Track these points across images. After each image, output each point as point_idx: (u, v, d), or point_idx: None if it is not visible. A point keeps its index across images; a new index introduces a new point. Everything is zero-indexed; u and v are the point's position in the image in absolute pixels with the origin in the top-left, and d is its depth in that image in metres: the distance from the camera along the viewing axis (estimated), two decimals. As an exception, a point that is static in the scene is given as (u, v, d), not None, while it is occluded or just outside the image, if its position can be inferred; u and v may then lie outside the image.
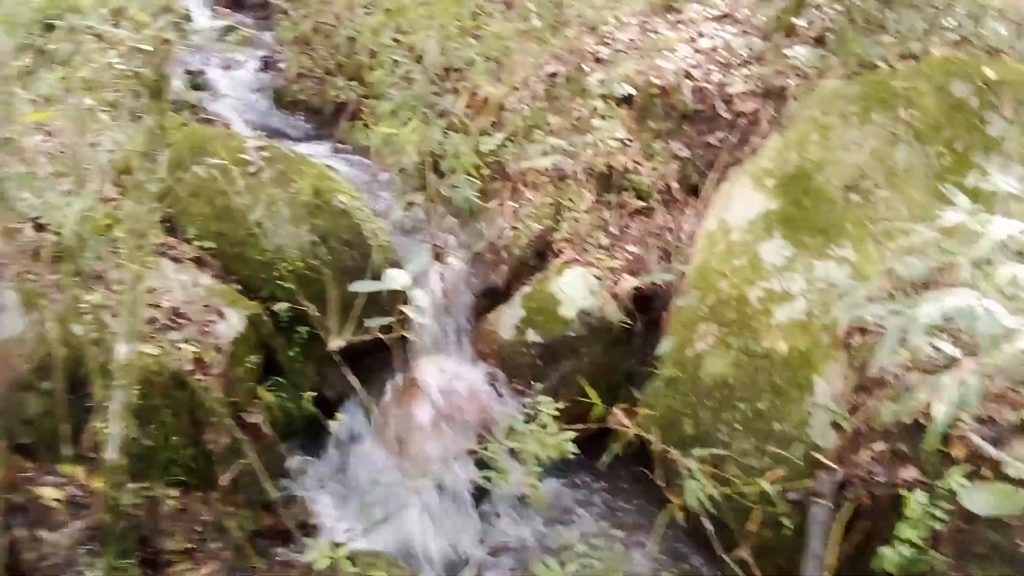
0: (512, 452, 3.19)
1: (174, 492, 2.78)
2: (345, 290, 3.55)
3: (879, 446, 2.92)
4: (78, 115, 2.29)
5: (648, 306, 4.03)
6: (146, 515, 2.56)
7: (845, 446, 3.10)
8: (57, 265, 2.64)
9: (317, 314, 2.90)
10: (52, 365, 2.50)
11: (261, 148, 3.89)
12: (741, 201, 3.70)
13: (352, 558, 2.67)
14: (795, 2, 4.53)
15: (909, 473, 2.85)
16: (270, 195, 3.71)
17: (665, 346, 3.47)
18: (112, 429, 2.25)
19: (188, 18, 7.12)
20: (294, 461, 3.55)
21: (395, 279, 2.25)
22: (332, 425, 3.53)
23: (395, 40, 4.85)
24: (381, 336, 2.73)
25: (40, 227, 2.80)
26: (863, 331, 3.22)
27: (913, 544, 2.47)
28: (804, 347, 3.27)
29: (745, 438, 3.24)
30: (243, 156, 3.80)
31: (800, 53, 4.20)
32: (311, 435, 3.70)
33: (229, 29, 6.92)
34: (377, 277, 3.74)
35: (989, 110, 3.71)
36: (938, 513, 2.50)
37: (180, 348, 3.09)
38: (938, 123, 3.66)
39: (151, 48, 1.99)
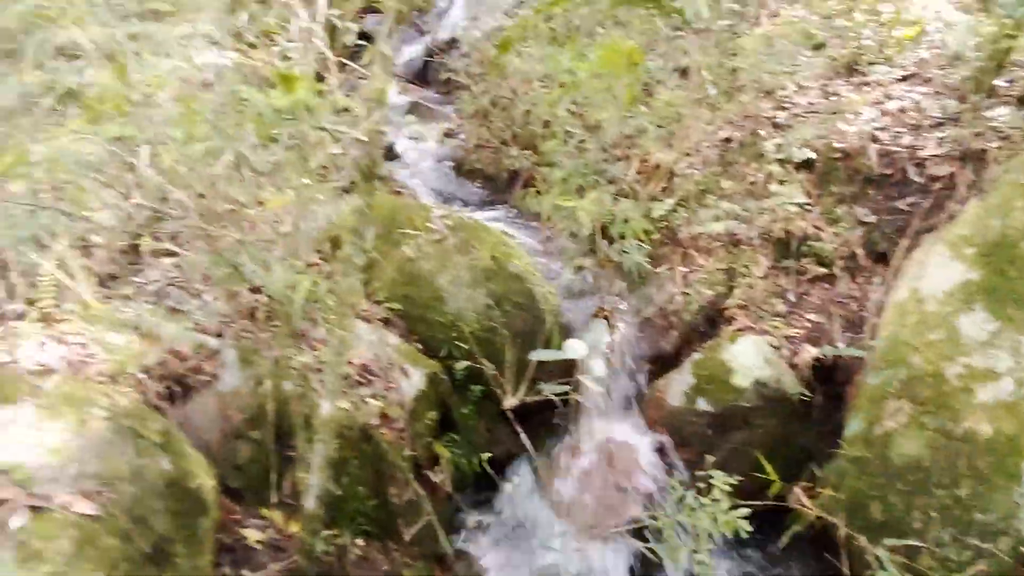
0: (680, 525, 3.12)
1: (360, 541, 2.94)
2: (519, 351, 3.69)
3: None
4: (301, 197, 2.56)
5: (829, 378, 3.84)
6: (335, 562, 2.74)
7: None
8: (270, 324, 2.94)
9: (493, 373, 3.01)
10: (262, 417, 2.77)
11: (445, 217, 4.14)
12: (936, 270, 3.49)
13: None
14: (996, 61, 4.26)
15: None
16: (453, 261, 3.92)
17: (853, 426, 3.29)
18: (312, 480, 2.45)
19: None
20: (466, 517, 3.65)
21: (575, 349, 2.33)
22: (502, 484, 3.62)
23: (568, 111, 5.02)
24: (551, 398, 2.79)
25: (255, 290, 3.13)
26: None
27: None
28: (1011, 431, 3.00)
29: (942, 527, 2.99)
30: (429, 225, 4.06)
31: (1002, 114, 3.93)
32: (481, 491, 3.81)
33: (415, 105, 7.49)
34: (548, 340, 3.88)
35: None
36: None
37: (368, 403, 3.31)
38: None
39: (367, 138, 2.21)
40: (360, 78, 7.87)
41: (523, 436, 3.12)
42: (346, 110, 2.38)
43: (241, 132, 2.05)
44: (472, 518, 3.66)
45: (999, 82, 4.12)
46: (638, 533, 3.51)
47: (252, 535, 2.64)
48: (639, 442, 3.87)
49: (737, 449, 3.71)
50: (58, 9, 2.82)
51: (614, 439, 3.94)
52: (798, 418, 3.78)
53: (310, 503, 2.47)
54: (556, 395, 2.65)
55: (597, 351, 3.95)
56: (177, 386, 2.73)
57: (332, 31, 4.79)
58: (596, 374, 2.47)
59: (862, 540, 2.73)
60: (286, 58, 3.23)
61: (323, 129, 2.15)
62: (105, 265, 3.22)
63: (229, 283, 2.75)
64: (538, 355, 2.55)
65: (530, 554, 3.54)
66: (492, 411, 3.84)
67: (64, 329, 2.62)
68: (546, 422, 4.11)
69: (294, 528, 2.60)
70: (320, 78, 2.87)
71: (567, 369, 3.25)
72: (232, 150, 2.26)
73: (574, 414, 4.13)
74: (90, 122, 2.58)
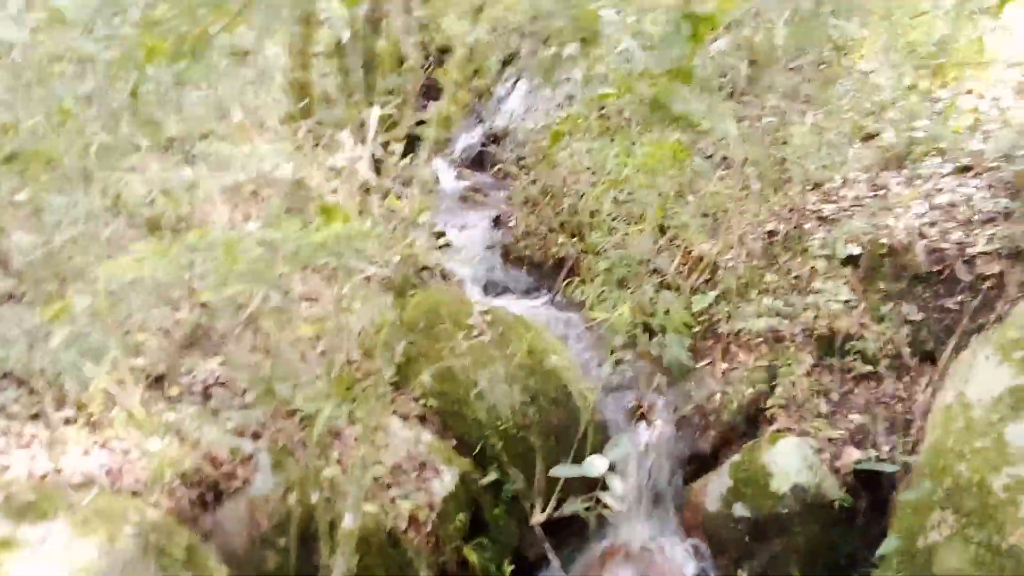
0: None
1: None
2: (552, 453, 3.68)
3: None
4: (341, 310, 2.67)
5: (874, 483, 3.69)
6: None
7: None
8: (303, 424, 3.03)
9: (520, 487, 3.01)
10: (289, 524, 2.83)
11: (485, 312, 4.21)
12: (985, 374, 3.35)
13: None
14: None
15: None
16: (490, 357, 3.98)
17: (892, 541, 3.15)
18: (332, 593, 2.48)
19: (437, 181, 8.08)
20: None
21: (594, 466, 2.32)
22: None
23: (615, 202, 5.09)
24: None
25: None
26: None
27: None
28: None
29: (988, 651, 2.81)
30: (470, 321, 4.14)
31: (1052, 209, 3.82)
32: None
33: (469, 192, 7.74)
34: (584, 437, 3.86)
35: None
36: None
37: (396, 505, 3.34)
38: None
39: (401, 258, 2.31)
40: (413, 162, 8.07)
41: (550, 552, 3.06)
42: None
43: (274, 269, 2.16)
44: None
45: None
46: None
47: (274, 642, 2.68)
48: (674, 548, 3.78)
49: (776, 557, 3.59)
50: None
51: (648, 544, 3.86)
52: (840, 525, 3.64)
53: (329, 615, 2.50)
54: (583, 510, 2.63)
55: (627, 460, 3.94)
56: (210, 492, 2.83)
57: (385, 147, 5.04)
58: (617, 492, 2.44)
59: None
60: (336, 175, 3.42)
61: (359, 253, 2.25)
62: (155, 366, 3.39)
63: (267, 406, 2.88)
64: (559, 471, 2.55)
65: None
66: (523, 512, 3.82)
67: (108, 435, 2.77)
68: (579, 526, 4.06)
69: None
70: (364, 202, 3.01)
71: (595, 480, 3.23)
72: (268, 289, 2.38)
73: (611, 522, 4.07)
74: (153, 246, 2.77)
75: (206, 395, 3.35)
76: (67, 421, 2.80)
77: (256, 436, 3.14)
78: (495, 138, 8.54)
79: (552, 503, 2.94)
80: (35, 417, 2.72)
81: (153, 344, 3.46)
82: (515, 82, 9.19)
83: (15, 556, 1.98)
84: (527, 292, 5.93)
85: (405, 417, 3.84)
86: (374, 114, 2.84)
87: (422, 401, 3.90)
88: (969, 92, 5.23)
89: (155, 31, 1.60)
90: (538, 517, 2.92)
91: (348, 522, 2.46)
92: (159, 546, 2.19)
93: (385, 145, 3.22)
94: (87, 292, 2.70)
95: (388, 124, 5.04)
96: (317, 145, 3.88)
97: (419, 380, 3.93)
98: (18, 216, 2.59)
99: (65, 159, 2.84)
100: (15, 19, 1.86)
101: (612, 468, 2.63)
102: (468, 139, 8.94)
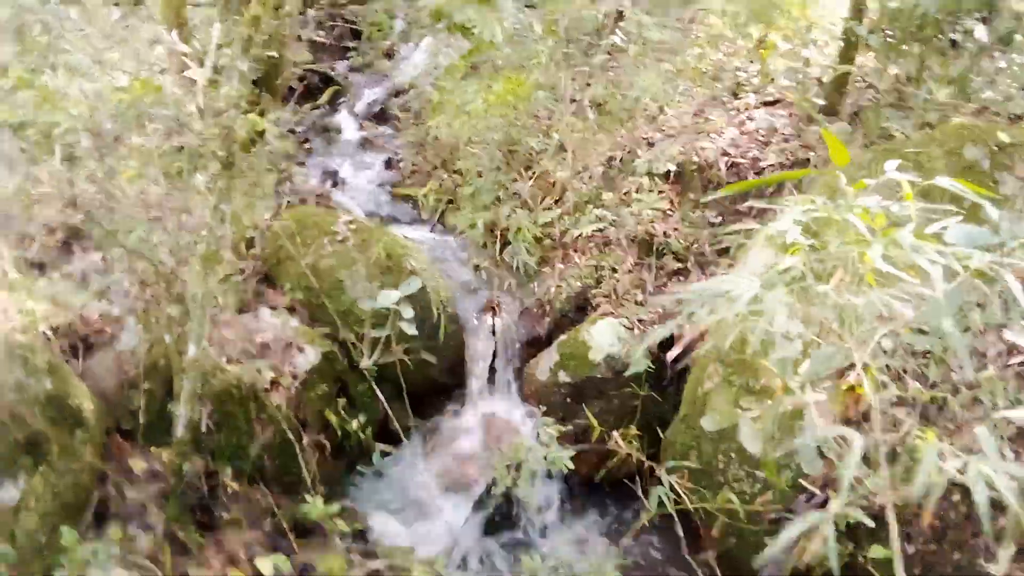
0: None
1: (235, 484, 3.45)
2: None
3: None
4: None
5: (679, 356, 4.34)
6: (208, 491, 3.26)
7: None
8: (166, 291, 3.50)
9: (353, 342, 3.55)
10: (154, 370, 3.32)
11: (350, 222, 4.73)
12: (755, 259, 4.04)
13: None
14: (838, 85, 4.87)
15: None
16: (352, 257, 4.50)
17: (686, 391, 3.82)
18: (180, 411, 2.98)
19: (339, 131, 8.55)
20: (354, 477, 4.16)
21: (389, 296, 2.87)
22: (388, 449, 4.12)
23: (475, 132, 5.64)
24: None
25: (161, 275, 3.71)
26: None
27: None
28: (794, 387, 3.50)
29: (739, 466, 3.48)
30: (335, 228, 4.65)
31: (830, 129, 4.52)
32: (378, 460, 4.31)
33: (367, 140, 8.24)
34: (437, 327, 4.43)
35: (1002, 171, 3.85)
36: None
37: (260, 372, 3.85)
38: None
39: (221, 131, 2.81)
40: (320, 116, 8.49)
41: (380, 396, 3.61)
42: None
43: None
44: (358, 477, 4.15)
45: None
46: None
47: (138, 465, 3.17)
48: (513, 412, 4.39)
49: (596, 416, 4.21)
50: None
51: (495, 412, 4.46)
52: (652, 390, 4.29)
53: (179, 431, 3.00)
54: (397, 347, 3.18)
55: (479, 332, 4.54)
56: (81, 344, 3.30)
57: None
58: (407, 316, 2.98)
59: (652, 464, 3.23)
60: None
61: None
62: (38, 256, 3.81)
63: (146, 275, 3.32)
64: (363, 304, 3.09)
65: (405, 505, 4.04)
66: (390, 392, 4.37)
67: (-11, 296, 3.21)
68: (440, 403, 4.65)
69: (167, 455, 3.12)
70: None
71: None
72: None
73: (465, 394, 4.67)
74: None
75: (86, 280, 3.79)
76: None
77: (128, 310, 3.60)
78: (398, 93, 9.01)
79: (377, 353, 3.50)
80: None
81: (38, 237, 3.90)
82: (419, 42, 9.66)
83: None
84: (412, 222, 6.45)
85: (274, 308, 4.34)
86: (215, 28, 3.32)
87: (290, 295, 4.40)
88: (792, 40, 5.94)
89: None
90: (365, 362, 3.47)
91: (192, 351, 2.97)
92: (23, 356, 2.65)
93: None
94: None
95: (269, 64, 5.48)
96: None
97: (287, 276, 4.43)
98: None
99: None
100: None
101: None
102: (372, 94, 9.38)
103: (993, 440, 1.34)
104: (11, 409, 2.47)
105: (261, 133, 4.55)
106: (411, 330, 3.00)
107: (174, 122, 2.92)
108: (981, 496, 1.26)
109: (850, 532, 3.19)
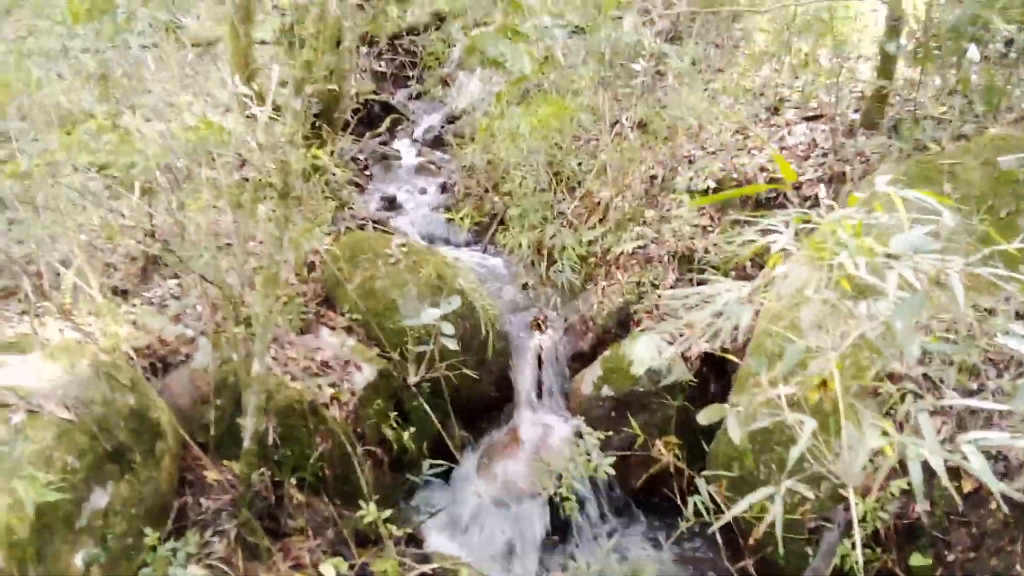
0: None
1: (300, 494, 3.71)
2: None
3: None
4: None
5: (722, 368, 4.46)
6: (275, 500, 3.52)
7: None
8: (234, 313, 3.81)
9: (399, 360, 3.79)
10: (225, 387, 3.62)
11: (402, 245, 5.00)
12: (792, 273, 4.13)
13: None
14: (879, 99, 4.92)
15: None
16: (404, 278, 4.77)
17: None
18: (247, 423, 3.26)
19: (398, 157, 8.93)
20: (413, 489, 4.39)
21: (430, 314, 3.09)
22: (440, 462, 4.34)
23: (521, 155, 5.88)
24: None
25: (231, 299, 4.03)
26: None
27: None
28: (829, 402, 3.59)
29: (781, 475, 3.58)
30: (388, 251, 4.93)
31: (865, 143, 4.59)
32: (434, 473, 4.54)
33: (425, 165, 8.59)
34: (485, 344, 4.65)
35: (1039, 178, 3.87)
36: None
37: (321, 388, 4.13)
38: (983, 193, 3.89)
39: (278, 165, 3.08)
40: (381, 143, 8.90)
41: (429, 411, 3.83)
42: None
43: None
44: (418, 489, 4.38)
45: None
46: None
47: (212, 475, 3.46)
48: (561, 426, 4.56)
49: (640, 428, 4.35)
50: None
51: (542, 425, 4.65)
52: (694, 402, 4.41)
53: (247, 442, 3.27)
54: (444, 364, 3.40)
55: (524, 348, 4.74)
56: (159, 363, 3.62)
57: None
58: (448, 332, 3.20)
59: (693, 473, 3.35)
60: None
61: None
62: (122, 283, 4.19)
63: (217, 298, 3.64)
64: (406, 322, 3.32)
65: (459, 516, 4.24)
66: (445, 408, 4.59)
67: (77, 321, 3.56)
68: (490, 419, 4.86)
69: (237, 466, 3.40)
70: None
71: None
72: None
73: (514, 408, 4.86)
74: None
75: (162, 303, 4.15)
76: (44, 311, 3.59)
77: (201, 333, 3.93)
78: (454, 119, 9.34)
79: (423, 370, 3.73)
80: (19, 301, 3.52)
81: (121, 266, 4.28)
82: (474, 70, 9.99)
83: (1, 370, 2.77)
84: (466, 244, 6.72)
85: (333, 328, 4.63)
86: (275, 70, 3.63)
87: (348, 315, 4.69)
88: (836, 55, 6.00)
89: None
90: (413, 378, 3.70)
91: (256, 368, 3.25)
92: (109, 374, 2.97)
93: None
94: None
95: (329, 97, 5.84)
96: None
97: (345, 297, 4.72)
98: None
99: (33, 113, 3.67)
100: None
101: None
102: (430, 120, 9.75)
103: (931, 424, 1.48)
104: (99, 422, 2.77)
105: (318, 167, 4.89)
106: (452, 345, 3.20)
107: (237, 157, 3.22)
108: (915, 473, 1.41)
109: (888, 539, 3.27)
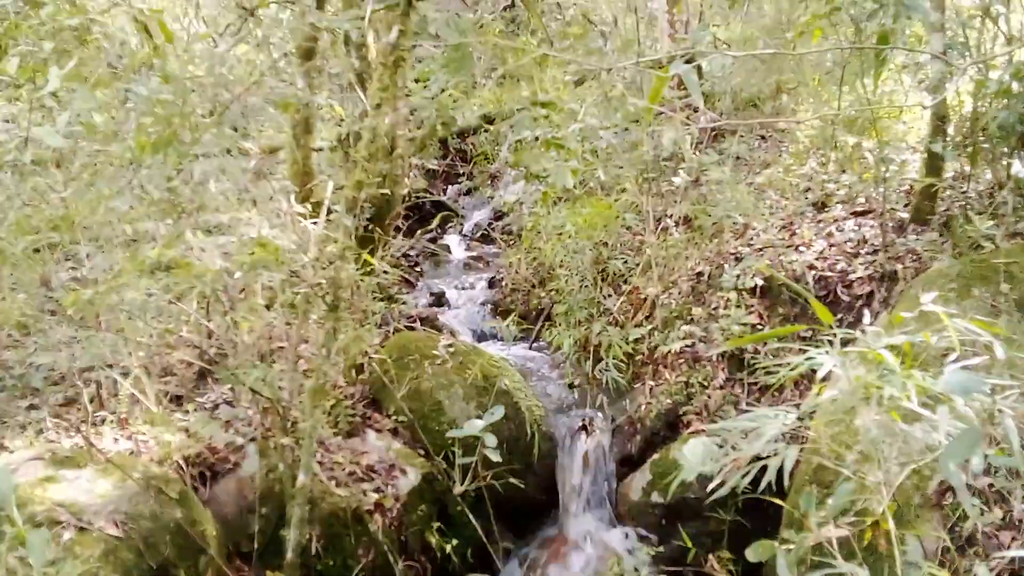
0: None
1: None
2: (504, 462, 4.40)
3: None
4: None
5: (778, 474, 4.30)
6: (319, 613, 3.48)
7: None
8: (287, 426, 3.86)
9: (445, 468, 3.77)
10: (271, 496, 3.64)
11: (449, 345, 5.05)
12: (839, 398, 4.02)
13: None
14: (927, 198, 4.86)
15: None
16: (450, 379, 4.79)
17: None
18: (291, 535, 3.26)
19: (448, 252, 9.13)
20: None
21: (474, 425, 3.09)
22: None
23: (567, 253, 5.93)
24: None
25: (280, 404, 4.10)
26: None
27: None
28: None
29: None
30: (435, 352, 4.97)
31: (916, 240, 4.51)
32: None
33: (474, 260, 8.75)
34: (530, 447, 4.60)
35: (1101, 277, 3.73)
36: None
37: (366, 494, 4.12)
38: (1042, 294, 3.76)
39: (328, 281, 3.18)
40: (431, 240, 9.11)
41: (473, 519, 3.78)
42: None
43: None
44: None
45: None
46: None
47: (255, 587, 3.45)
48: (609, 534, 4.43)
49: (692, 538, 4.19)
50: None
51: (589, 532, 4.52)
52: (749, 511, 4.24)
53: (290, 554, 3.26)
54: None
55: (573, 452, 4.67)
56: (208, 471, 3.68)
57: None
58: (490, 444, 3.17)
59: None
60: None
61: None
62: (177, 388, 4.30)
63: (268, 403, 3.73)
64: (452, 433, 3.31)
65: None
66: (487, 511, 4.52)
67: (132, 430, 3.66)
68: (536, 521, 4.76)
69: (280, 577, 3.38)
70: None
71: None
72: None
73: (560, 513, 4.76)
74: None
75: (215, 409, 4.23)
76: (101, 421, 3.70)
77: (251, 440, 3.99)
78: (502, 215, 9.54)
79: (468, 480, 3.70)
80: (78, 411, 3.64)
81: (178, 371, 4.40)
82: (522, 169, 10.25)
83: (55, 486, 2.84)
84: (513, 340, 6.74)
85: (379, 431, 4.64)
86: (329, 185, 3.79)
87: (394, 417, 4.70)
88: (883, 146, 5.98)
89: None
90: (458, 488, 3.67)
91: (301, 479, 3.27)
92: (159, 488, 3.01)
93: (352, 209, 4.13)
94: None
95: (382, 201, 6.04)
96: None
97: (391, 399, 4.75)
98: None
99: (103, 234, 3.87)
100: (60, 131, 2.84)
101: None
102: (479, 216, 9.98)
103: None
104: (146, 538, 2.81)
105: (370, 270, 5.01)
106: (495, 457, 3.17)
107: (291, 272, 3.33)
108: None
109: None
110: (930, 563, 3.35)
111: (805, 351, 2.17)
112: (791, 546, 1.81)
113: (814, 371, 4.51)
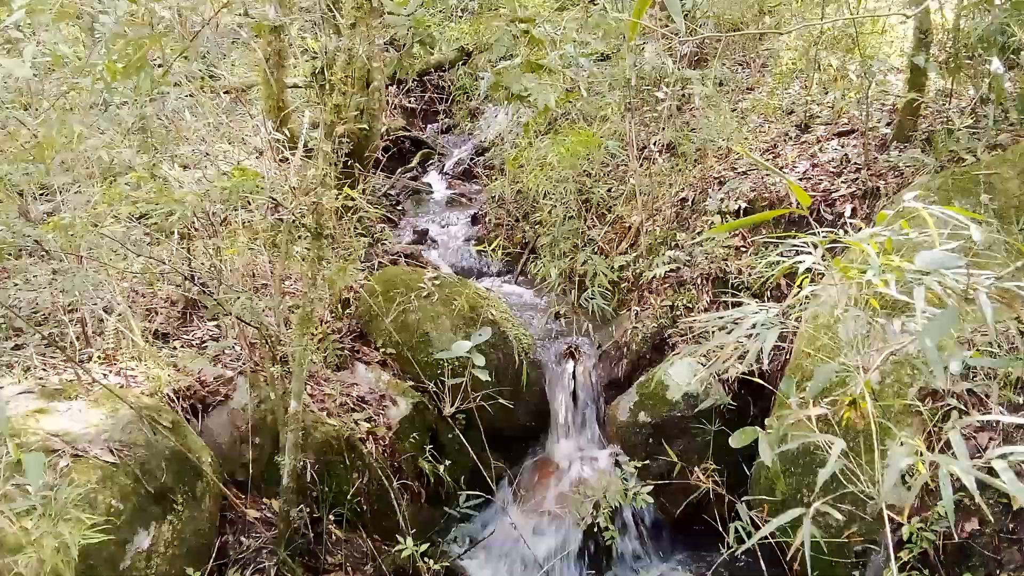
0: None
1: (338, 531, 3.73)
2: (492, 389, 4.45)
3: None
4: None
5: (761, 392, 4.39)
6: (314, 537, 3.54)
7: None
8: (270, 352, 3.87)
9: (434, 391, 3.80)
10: (263, 426, 3.67)
11: (435, 278, 5.05)
12: (828, 290, 4.06)
13: None
14: (910, 111, 4.85)
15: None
16: (437, 311, 4.80)
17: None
18: (285, 461, 3.30)
19: (430, 190, 9.05)
20: (450, 521, 4.38)
21: (460, 346, 3.11)
22: (476, 493, 4.33)
23: (550, 183, 5.90)
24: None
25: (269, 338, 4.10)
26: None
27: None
28: (879, 415, 3.51)
29: (822, 498, 3.50)
30: (420, 284, 4.97)
31: (899, 157, 4.52)
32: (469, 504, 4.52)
33: (456, 198, 8.68)
34: (520, 373, 4.65)
35: (1080, 185, 3.77)
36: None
37: (357, 424, 4.16)
38: (1021, 204, 3.80)
39: (310, 207, 3.15)
40: (412, 178, 9.03)
41: (464, 440, 3.83)
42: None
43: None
44: (455, 522, 4.36)
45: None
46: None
47: (251, 513, 3.50)
48: (598, 454, 4.52)
49: (679, 454, 4.28)
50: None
51: (579, 453, 4.61)
52: (733, 426, 4.32)
53: (285, 479, 3.31)
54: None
55: (560, 376, 4.73)
56: (199, 404, 3.69)
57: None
58: (479, 363, 3.20)
59: (732, 496, 3.30)
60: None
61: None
62: (163, 326, 4.29)
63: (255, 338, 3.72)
64: (440, 355, 3.34)
65: (495, 545, 4.21)
66: (480, 441, 4.59)
67: (120, 366, 3.65)
68: (526, 447, 4.84)
69: (276, 503, 3.43)
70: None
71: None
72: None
73: (549, 437, 4.84)
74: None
75: (202, 345, 4.23)
76: (88, 357, 3.69)
77: (238, 372, 4.00)
78: (483, 151, 9.44)
79: (457, 401, 3.74)
80: (63, 349, 3.62)
81: (162, 310, 4.38)
82: (503, 103, 10.10)
83: (46, 417, 2.85)
84: (498, 274, 6.75)
85: (368, 363, 4.67)
86: (305, 117, 3.73)
87: (382, 350, 4.73)
88: (867, 60, 5.94)
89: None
90: (448, 410, 3.71)
91: (293, 406, 3.29)
92: (151, 417, 3.03)
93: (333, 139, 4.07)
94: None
95: (360, 136, 5.95)
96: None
97: (379, 332, 4.76)
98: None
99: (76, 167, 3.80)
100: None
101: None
102: (460, 153, 9.87)
103: (962, 441, 1.44)
104: (142, 464, 2.83)
105: (351, 206, 4.96)
106: (484, 376, 3.21)
107: (271, 200, 3.30)
108: (946, 492, 1.37)
109: (938, 560, 3.17)
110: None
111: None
112: (771, 430, 1.85)
113: (791, 286, 4.56)
